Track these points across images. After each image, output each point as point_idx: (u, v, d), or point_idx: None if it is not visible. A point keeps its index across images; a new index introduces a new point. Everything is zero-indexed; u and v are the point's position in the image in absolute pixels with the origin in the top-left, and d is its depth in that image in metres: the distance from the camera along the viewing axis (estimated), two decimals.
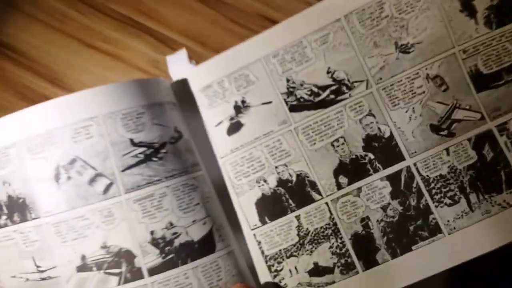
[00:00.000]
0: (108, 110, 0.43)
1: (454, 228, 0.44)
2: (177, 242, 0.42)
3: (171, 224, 0.42)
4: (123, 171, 0.42)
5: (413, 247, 0.44)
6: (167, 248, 0.42)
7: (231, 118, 0.47)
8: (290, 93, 0.47)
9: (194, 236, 0.42)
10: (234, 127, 0.47)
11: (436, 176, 0.45)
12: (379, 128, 0.46)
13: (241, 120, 0.46)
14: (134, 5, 0.37)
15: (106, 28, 0.38)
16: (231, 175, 0.47)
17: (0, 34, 0.33)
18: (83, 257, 0.42)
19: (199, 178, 0.45)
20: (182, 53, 0.50)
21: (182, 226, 0.42)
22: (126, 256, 0.42)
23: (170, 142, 0.44)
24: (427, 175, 0.45)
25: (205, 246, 0.42)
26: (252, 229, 0.46)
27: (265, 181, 0.46)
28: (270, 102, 0.46)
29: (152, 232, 0.42)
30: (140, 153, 0.43)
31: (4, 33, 0.34)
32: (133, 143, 0.43)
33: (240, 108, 0.47)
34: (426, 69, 0.47)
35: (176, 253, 0.42)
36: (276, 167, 0.46)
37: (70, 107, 0.43)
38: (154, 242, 0.42)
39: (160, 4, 0.40)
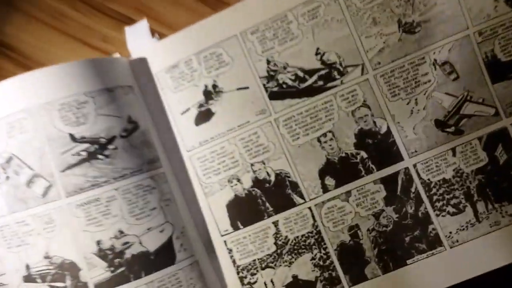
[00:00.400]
0: (43, 99, 0.36)
1: (457, 241, 0.39)
2: (128, 253, 0.38)
3: (121, 232, 0.38)
4: (62, 171, 0.36)
5: (408, 261, 0.39)
6: (116, 260, 0.37)
7: (200, 105, 0.42)
8: (270, 77, 0.41)
9: (149, 246, 0.38)
10: (204, 116, 0.42)
11: (439, 181, 0.40)
12: (374, 122, 0.40)
13: (212, 107, 0.41)
14: (133, 4, 0.38)
15: (105, 28, 0.38)
16: (199, 172, 0.41)
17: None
18: (27, 267, 0.37)
19: (158, 177, 0.40)
20: (143, 25, 0.43)
21: (135, 234, 0.38)
22: (70, 268, 0.37)
23: (122, 135, 0.38)
24: (428, 179, 0.39)
25: (163, 257, 0.38)
26: (223, 235, 0.41)
27: (238, 180, 0.41)
28: (246, 88, 0.41)
29: (98, 242, 0.37)
30: (82, 151, 0.36)
31: (3, 32, 0.34)
32: (73, 138, 0.36)
33: (210, 93, 0.42)
34: (434, 53, 0.40)
35: (127, 266, 0.37)
36: (252, 165, 0.40)
37: (3, 97, 0.36)
38: (101, 254, 0.37)
39: (160, 4, 0.39)
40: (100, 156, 0.37)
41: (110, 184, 0.37)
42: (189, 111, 0.42)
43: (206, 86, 0.42)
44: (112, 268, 0.37)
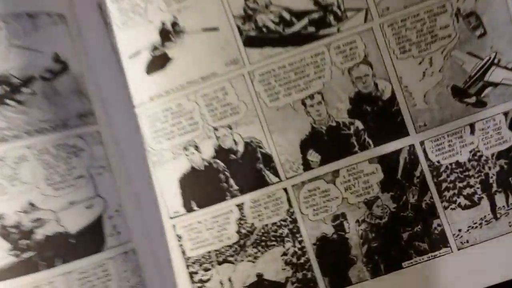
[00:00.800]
0: None
1: (467, 241, 0.33)
2: (40, 234, 0.31)
3: (32, 205, 0.31)
4: None
5: (404, 264, 0.33)
6: (23, 242, 0.30)
7: (154, 48, 0.35)
8: (248, 17, 0.33)
9: (70, 225, 0.31)
10: (158, 63, 0.35)
11: (451, 164, 0.33)
12: (376, 85, 0.33)
13: (169, 52, 0.35)
14: None
15: None
16: (147, 134, 0.33)
17: None
18: None
19: (90, 136, 0.34)
20: None
21: (51, 209, 0.31)
22: None
23: (43, 77, 0.32)
24: (438, 161, 0.33)
25: (87, 241, 0.32)
26: (172, 218, 0.35)
27: (196, 148, 0.34)
28: (215, 29, 0.34)
29: (0, 216, 0.29)
30: None
31: None
32: None
33: (168, 33, 0.34)
34: (458, 0, 0.32)
35: (38, 250, 0.30)
36: (216, 129, 0.33)
37: None
38: (3, 232, 0.29)
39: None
40: (9, 102, 0.31)
41: (21, 140, 0.31)
42: (140, 55, 0.35)
43: (163, 24, 0.34)
44: (16, 252, 0.30)
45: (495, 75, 0.33)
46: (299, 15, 0.34)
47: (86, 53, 0.34)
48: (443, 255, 0.33)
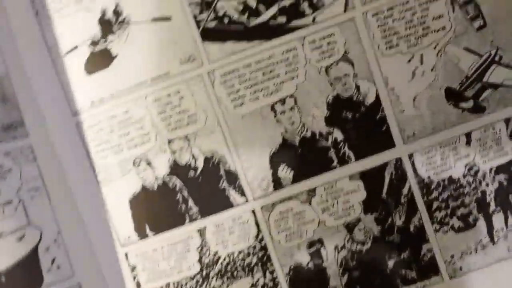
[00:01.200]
0: None
1: (460, 268, 0.30)
2: None
3: None
4: None
5: None
6: None
7: (94, 43, 0.30)
8: (206, 4, 0.28)
9: None
10: (99, 60, 0.30)
11: (444, 180, 0.30)
12: (357, 87, 0.29)
13: (112, 47, 0.30)
14: None
15: None
16: (91, 148, 0.29)
17: None
18: None
19: (20, 152, 0.30)
20: None
21: None
22: None
23: None
24: (429, 177, 0.30)
25: (20, 279, 0.28)
26: (123, 245, 0.31)
27: (149, 163, 0.30)
28: (167, 19, 0.30)
29: None
30: None
31: None
32: None
33: (110, 24, 0.30)
34: None
35: None
36: (170, 141, 0.29)
37: None
38: None
39: None
40: None
41: None
42: (78, 50, 0.31)
43: (104, 12, 0.29)
44: None
45: (496, 75, 0.29)
46: (268, 2, 0.29)
47: (13, 49, 0.30)
48: (434, 285, 0.30)
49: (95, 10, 0.29)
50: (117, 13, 0.29)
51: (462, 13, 0.29)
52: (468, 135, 0.29)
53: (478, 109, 0.29)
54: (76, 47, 0.30)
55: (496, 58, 0.29)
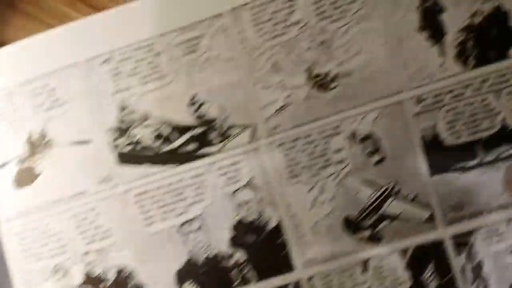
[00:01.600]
0: None
1: None
2: None
3: None
4: None
5: None
6: None
7: (21, 161, 0.33)
8: (122, 131, 0.31)
9: None
10: (25, 176, 0.33)
11: None
12: (260, 213, 0.31)
13: (36, 166, 0.33)
14: None
15: None
16: (18, 253, 0.31)
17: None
18: None
19: None
20: None
21: None
22: None
23: None
24: None
25: None
26: None
27: (65, 272, 0.32)
28: (87, 142, 0.32)
29: None
30: None
31: (3, 32, 0.36)
32: None
33: (36, 144, 0.33)
34: (353, 122, 0.30)
35: None
36: (86, 253, 0.31)
37: None
38: None
39: None
40: None
41: None
42: (7, 166, 0.33)
43: (30, 134, 0.31)
44: None
45: (393, 207, 0.30)
46: (180, 130, 0.31)
47: None
48: None
49: (23, 131, 0.32)
50: (43, 135, 0.32)
51: (361, 148, 0.31)
52: (365, 263, 0.31)
53: (375, 239, 0.31)
54: (5, 163, 0.33)
55: (394, 192, 0.31)
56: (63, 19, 0.35)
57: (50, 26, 0.33)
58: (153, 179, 0.31)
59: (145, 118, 0.32)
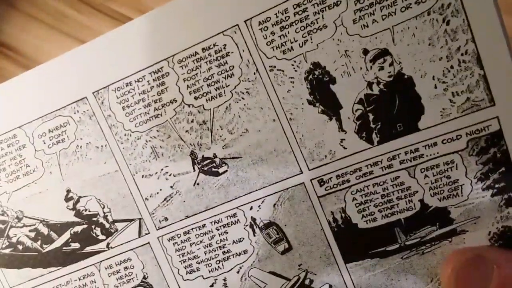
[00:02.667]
0: None
1: None
2: None
3: None
4: None
5: None
6: None
7: None
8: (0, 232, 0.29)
9: None
10: None
11: None
12: None
13: None
14: (133, 5, 0.40)
15: (105, 28, 0.40)
16: None
17: None
18: None
19: None
20: None
21: None
22: None
23: None
24: None
25: None
26: None
27: None
28: None
29: None
30: None
31: (3, 32, 0.37)
32: None
33: None
34: (251, 208, 0.28)
35: None
36: None
37: None
38: None
39: (160, 4, 0.37)
40: None
41: None
42: None
43: None
44: None
45: None
46: (60, 228, 0.30)
47: None
48: None
49: None
50: None
51: (265, 236, 0.28)
52: None
53: None
54: None
55: (306, 282, 0.28)
56: (62, 18, 0.37)
57: (49, 25, 0.36)
58: (38, 282, 0.30)
59: (20, 216, 0.30)
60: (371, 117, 0.25)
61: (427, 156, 0.25)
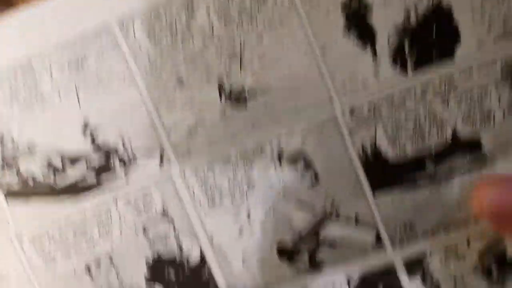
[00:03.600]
0: None
1: None
2: None
3: None
4: None
5: None
6: None
7: None
8: (7, 165, 0.29)
9: None
10: None
11: None
12: (180, 246, 0.30)
13: None
14: None
15: None
16: None
17: None
18: None
19: None
20: None
21: None
22: None
23: None
24: None
25: None
26: None
27: None
28: None
29: None
30: None
31: None
32: None
33: None
34: (280, 140, 0.28)
35: None
36: None
37: None
38: None
39: None
40: None
41: None
42: None
43: None
44: None
45: (332, 231, 0.30)
46: (74, 159, 0.30)
47: None
48: None
49: None
50: None
51: (291, 169, 0.29)
52: None
53: (315, 267, 0.30)
54: None
55: (332, 214, 0.30)
56: None
57: None
58: (49, 219, 0.30)
59: (31, 147, 0.29)
60: (406, 45, 0.26)
61: (461, 84, 0.27)
